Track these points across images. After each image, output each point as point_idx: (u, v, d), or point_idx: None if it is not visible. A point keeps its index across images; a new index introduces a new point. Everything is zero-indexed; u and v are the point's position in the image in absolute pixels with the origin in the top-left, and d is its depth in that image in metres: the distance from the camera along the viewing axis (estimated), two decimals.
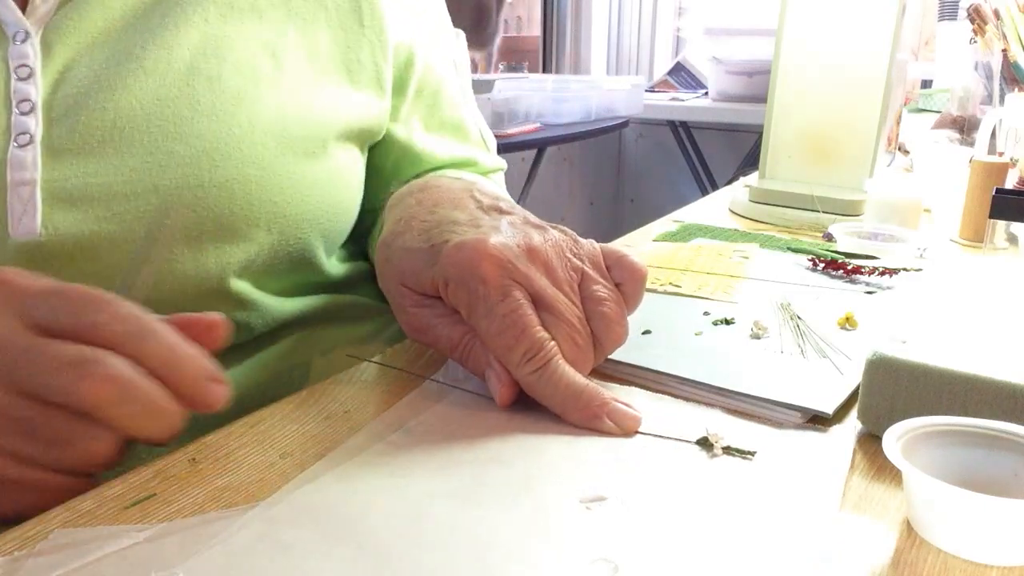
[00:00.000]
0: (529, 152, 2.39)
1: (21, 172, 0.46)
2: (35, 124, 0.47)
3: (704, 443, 0.41)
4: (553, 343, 0.43)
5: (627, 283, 0.47)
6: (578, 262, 0.46)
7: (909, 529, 0.35)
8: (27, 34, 0.48)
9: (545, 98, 2.33)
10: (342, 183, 0.60)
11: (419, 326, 0.48)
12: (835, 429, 0.44)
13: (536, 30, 3.14)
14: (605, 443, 0.41)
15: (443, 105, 0.70)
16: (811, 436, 0.43)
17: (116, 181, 0.48)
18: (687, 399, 0.47)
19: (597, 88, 2.48)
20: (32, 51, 0.48)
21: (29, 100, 0.47)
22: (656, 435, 0.42)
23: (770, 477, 0.39)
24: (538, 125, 2.26)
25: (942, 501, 0.34)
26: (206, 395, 0.37)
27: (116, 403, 0.35)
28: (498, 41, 2.64)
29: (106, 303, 0.37)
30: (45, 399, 0.35)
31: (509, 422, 0.43)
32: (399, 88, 0.65)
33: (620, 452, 0.41)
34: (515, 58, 2.96)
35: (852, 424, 0.45)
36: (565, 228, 0.49)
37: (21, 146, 0.47)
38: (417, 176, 0.68)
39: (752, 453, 0.40)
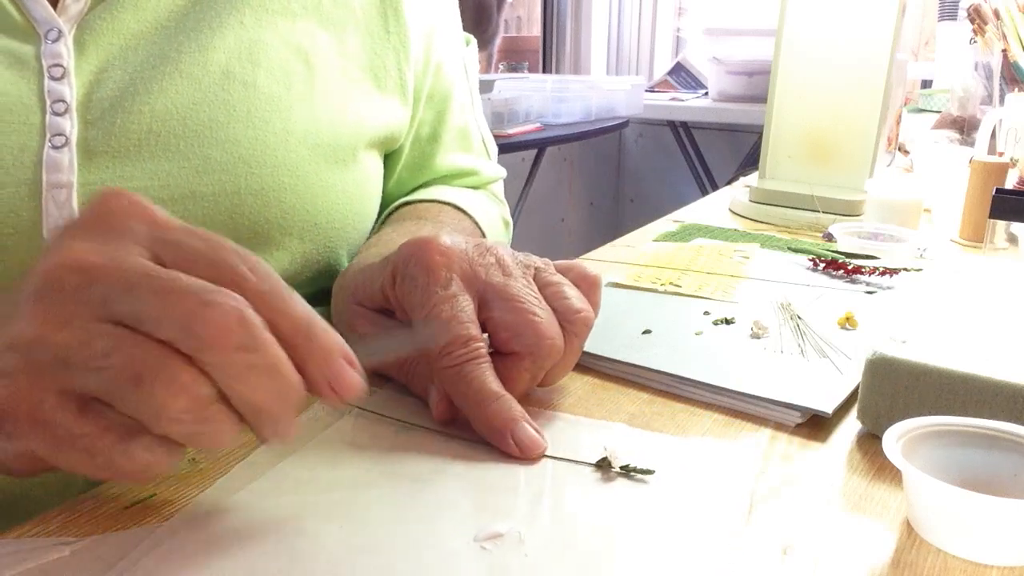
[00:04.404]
0: (529, 152, 2.39)
1: (57, 174, 0.46)
2: (70, 126, 0.46)
3: (603, 464, 0.40)
4: (481, 345, 0.42)
5: (581, 285, 0.45)
6: (530, 262, 0.45)
7: (909, 529, 0.35)
8: (60, 33, 0.46)
9: (545, 98, 2.34)
10: (368, 191, 0.60)
11: None
12: (746, 438, 0.44)
13: (536, 30, 3.14)
14: (503, 469, 0.39)
15: (451, 112, 0.69)
16: (717, 448, 0.42)
17: (152, 186, 0.48)
18: (690, 399, 0.47)
19: (597, 88, 2.48)
20: (66, 50, 0.46)
21: (64, 101, 0.46)
22: (555, 457, 0.40)
23: (669, 498, 0.37)
24: (538, 125, 2.26)
25: (942, 501, 0.34)
26: (340, 376, 0.31)
27: (236, 346, 0.29)
28: (498, 41, 2.63)
29: (248, 255, 0.31)
30: (139, 328, 0.29)
31: (407, 447, 0.41)
32: (416, 95, 0.64)
33: (518, 478, 0.39)
34: (515, 58, 2.96)
35: (852, 424, 0.45)
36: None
37: (56, 148, 0.46)
38: (420, 187, 0.68)
39: (650, 472, 0.39)
